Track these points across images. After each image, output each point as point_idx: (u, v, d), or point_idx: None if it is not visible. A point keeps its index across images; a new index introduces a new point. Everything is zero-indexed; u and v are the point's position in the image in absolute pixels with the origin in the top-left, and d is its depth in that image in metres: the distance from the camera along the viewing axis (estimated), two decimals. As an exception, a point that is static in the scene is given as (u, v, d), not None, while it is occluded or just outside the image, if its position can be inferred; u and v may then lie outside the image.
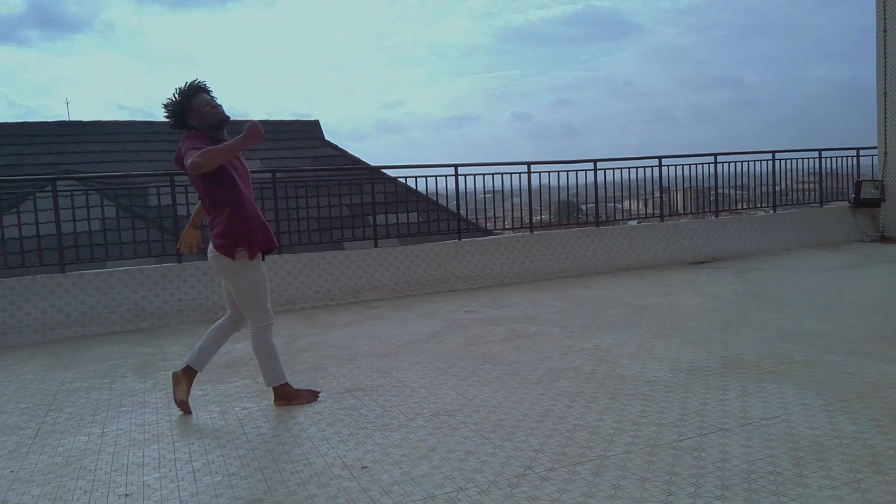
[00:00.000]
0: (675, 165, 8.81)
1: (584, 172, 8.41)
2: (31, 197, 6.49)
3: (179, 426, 3.33)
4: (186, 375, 3.51)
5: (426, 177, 7.58)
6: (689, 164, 8.88)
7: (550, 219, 9.21)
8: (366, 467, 2.67)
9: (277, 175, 7.12)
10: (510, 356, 4.31)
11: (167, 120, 3.40)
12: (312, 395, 3.61)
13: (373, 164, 8.62)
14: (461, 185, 7.73)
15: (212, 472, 2.73)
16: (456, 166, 7.65)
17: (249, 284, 3.39)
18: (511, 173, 7.98)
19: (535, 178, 8.10)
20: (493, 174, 7.90)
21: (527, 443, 2.83)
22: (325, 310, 6.51)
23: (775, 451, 2.59)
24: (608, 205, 9.12)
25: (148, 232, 8.01)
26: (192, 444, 3.06)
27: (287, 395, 3.53)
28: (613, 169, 8.58)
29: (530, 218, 8.11)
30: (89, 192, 6.46)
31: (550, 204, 9.31)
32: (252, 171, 8.20)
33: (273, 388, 3.55)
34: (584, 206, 9.36)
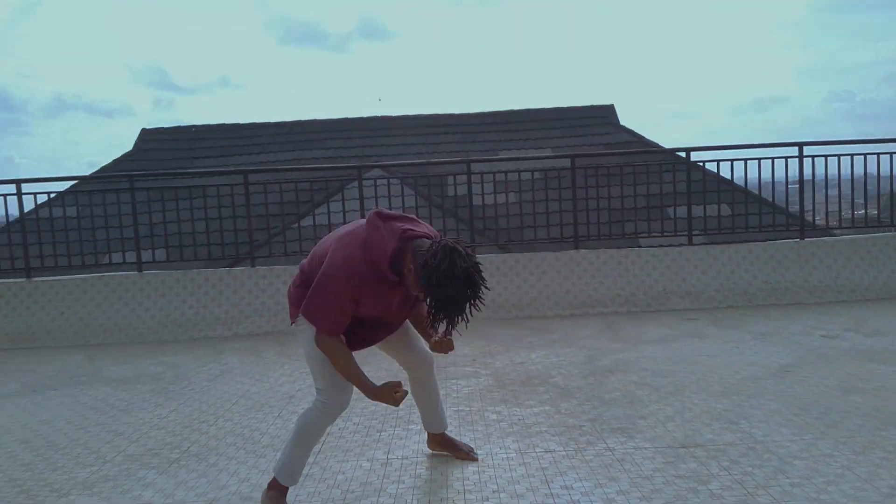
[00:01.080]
0: None
1: None
2: (340, 190, 6.68)
3: (474, 466, 2.69)
4: (436, 439, 2.82)
5: (759, 159, 6.11)
6: None
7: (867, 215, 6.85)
8: None
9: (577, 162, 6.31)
10: (928, 420, 2.90)
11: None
12: None
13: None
14: (806, 170, 6.10)
15: (512, 559, 2.00)
16: (800, 145, 6.05)
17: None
18: (878, 153, 6.07)
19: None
20: (851, 155, 6.08)
21: None
22: (627, 317, 5.55)
23: None
24: None
25: (444, 220, 7.84)
26: (488, 500, 2.38)
27: (272, 497, 2.39)
28: None
29: (878, 215, 6.13)
30: (390, 180, 6.39)
31: (865, 197, 6.97)
32: (545, 158, 7.60)
33: (273, 480, 2.41)
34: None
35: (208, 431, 3.26)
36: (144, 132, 13.94)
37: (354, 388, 2.35)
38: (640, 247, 6.12)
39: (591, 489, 2.42)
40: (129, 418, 3.53)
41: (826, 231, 6.72)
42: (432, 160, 7.55)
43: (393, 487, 2.53)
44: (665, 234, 6.22)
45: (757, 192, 6.99)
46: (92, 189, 6.69)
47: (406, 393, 2.32)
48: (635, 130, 12.82)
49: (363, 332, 2.36)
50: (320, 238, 6.19)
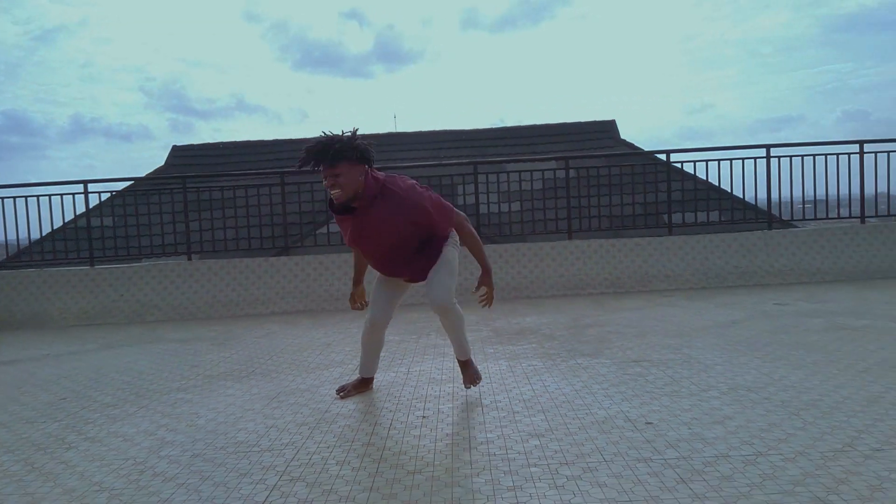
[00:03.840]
0: None
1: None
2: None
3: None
4: (459, 363, 3.28)
5: (731, 160, 6.95)
6: None
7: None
8: (650, 423, 2.53)
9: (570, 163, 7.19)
10: (830, 345, 3.71)
11: (319, 151, 2.80)
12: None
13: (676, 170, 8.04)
14: (773, 169, 6.93)
15: (498, 408, 2.84)
16: (768, 147, 6.90)
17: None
18: (837, 154, 6.90)
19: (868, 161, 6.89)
20: (813, 155, 6.92)
21: (848, 423, 2.40)
22: (612, 296, 6.38)
23: None
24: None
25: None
26: (482, 386, 3.22)
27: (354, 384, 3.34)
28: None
29: (861, 206, 6.93)
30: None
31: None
32: (539, 159, 8.46)
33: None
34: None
35: (267, 363, 4.12)
36: (175, 149, 14.97)
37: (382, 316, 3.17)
38: (625, 237, 6.94)
39: (559, 379, 3.26)
40: (198, 359, 4.39)
41: (790, 223, 7.53)
42: (444, 162, 8.41)
43: (414, 383, 3.37)
44: (648, 226, 7.09)
45: (729, 188, 7.80)
46: (149, 189, 7.61)
47: (360, 307, 3.39)
48: (635, 144, 13.71)
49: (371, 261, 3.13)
50: (342, 242, 7.16)
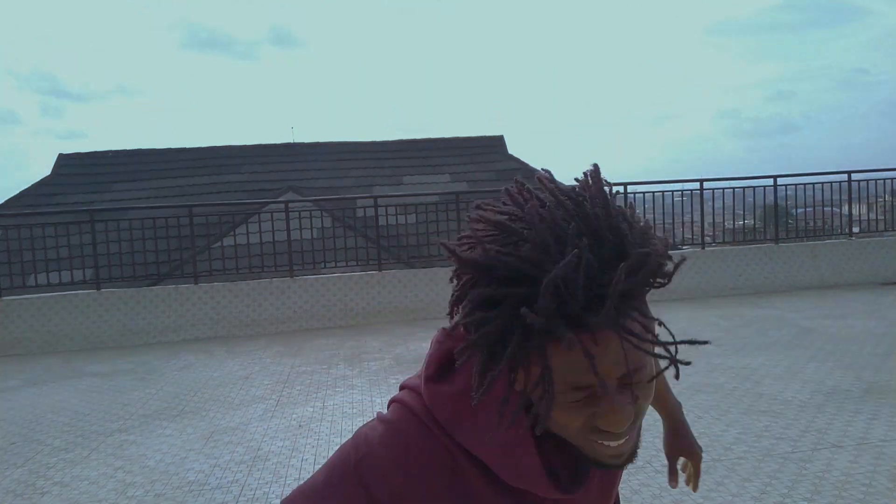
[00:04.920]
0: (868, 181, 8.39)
1: (762, 189, 8.34)
2: (257, 213, 8.08)
3: (380, 405, 4.26)
4: None
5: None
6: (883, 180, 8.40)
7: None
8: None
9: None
10: (658, 369, 4.74)
11: None
12: None
13: (560, 172, 9.12)
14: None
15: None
16: (625, 185, 8.06)
17: None
18: (682, 191, 8.19)
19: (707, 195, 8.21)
20: (662, 192, 8.17)
21: (652, 444, 3.34)
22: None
23: (878, 468, 2.86)
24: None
25: (356, 240, 9.32)
26: (386, 420, 3.97)
27: None
28: (796, 185, 8.38)
29: (702, 235, 8.24)
30: (311, 209, 7.86)
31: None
32: (432, 194, 9.29)
33: None
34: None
35: (193, 399, 4.66)
36: (62, 157, 14.63)
37: None
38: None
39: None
40: (126, 398, 4.85)
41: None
42: (346, 196, 9.04)
43: (330, 418, 4.06)
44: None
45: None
46: (57, 219, 7.72)
47: None
48: (521, 158, 14.86)
49: None
50: (249, 266, 7.66)
